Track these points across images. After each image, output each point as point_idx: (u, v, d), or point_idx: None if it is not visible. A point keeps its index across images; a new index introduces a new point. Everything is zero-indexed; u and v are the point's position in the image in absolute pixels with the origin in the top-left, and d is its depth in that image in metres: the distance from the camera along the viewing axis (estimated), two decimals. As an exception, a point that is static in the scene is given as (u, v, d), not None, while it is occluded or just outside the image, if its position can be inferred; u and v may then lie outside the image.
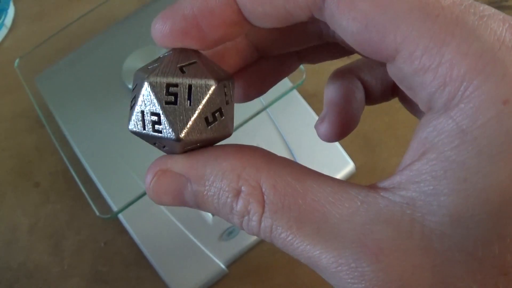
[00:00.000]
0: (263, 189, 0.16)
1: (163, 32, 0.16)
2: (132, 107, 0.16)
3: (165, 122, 0.15)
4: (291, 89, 0.43)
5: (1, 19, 0.54)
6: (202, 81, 0.16)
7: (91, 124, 0.45)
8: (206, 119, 0.16)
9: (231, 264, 0.42)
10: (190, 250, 0.41)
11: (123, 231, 0.43)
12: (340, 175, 0.43)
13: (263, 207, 0.16)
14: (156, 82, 0.15)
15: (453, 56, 0.13)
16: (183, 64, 0.16)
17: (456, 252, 0.13)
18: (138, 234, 0.42)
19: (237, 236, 0.42)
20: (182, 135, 0.15)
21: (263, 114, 0.44)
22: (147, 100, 0.16)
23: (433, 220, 0.14)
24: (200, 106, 0.16)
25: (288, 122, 0.45)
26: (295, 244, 0.15)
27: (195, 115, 0.15)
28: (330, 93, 0.23)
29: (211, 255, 0.41)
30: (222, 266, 0.41)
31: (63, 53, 0.49)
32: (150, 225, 0.42)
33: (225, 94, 0.16)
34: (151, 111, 0.15)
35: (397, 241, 0.14)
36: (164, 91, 0.15)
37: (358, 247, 0.14)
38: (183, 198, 0.17)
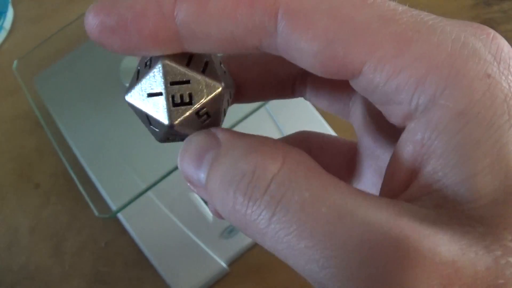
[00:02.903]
0: (285, 156, 0.14)
1: (93, 25, 0.15)
2: (137, 79, 0.16)
3: (164, 106, 0.16)
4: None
5: (0, 22, 0.54)
6: (211, 81, 0.16)
7: (89, 124, 0.45)
8: (201, 117, 0.16)
9: (232, 263, 0.41)
10: (191, 249, 0.41)
11: (123, 231, 0.43)
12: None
13: (280, 169, 0.14)
14: (171, 67, 0.16)
15: (425, 50, 0.13)
16: (199, 60, 0.16)
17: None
18: (139, 234, 0.42)
19: (238, 234, 0.41)
20: (176, 122, 0.16)
21: (262, 111, 0.44)
22: (155, 79, 0.16)
23: (480, 204, 0.13)
24: (203, 101, 0.16)
25: (288, 119, 0.44)
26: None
27: (194, 109, 0.16)
28: None
29: (212, 254, 0.41)
30: (223, 264, 0.41)
31: (61, 54, 0.49)
32: (150, 225, 0.42)
33: (227, 101, 0.17)
34: (155, 90, 0.16)
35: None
36: (176, 77, 0.16)
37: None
38: (201, 162, 0.16)
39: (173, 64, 0.16)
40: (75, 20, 0.49)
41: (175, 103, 0.16)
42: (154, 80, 0.16)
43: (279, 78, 0.20)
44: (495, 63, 0.13)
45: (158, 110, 0.16)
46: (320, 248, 0.13)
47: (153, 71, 0.16)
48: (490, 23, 0.51)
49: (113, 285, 0.42)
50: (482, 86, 0.13)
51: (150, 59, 0.16)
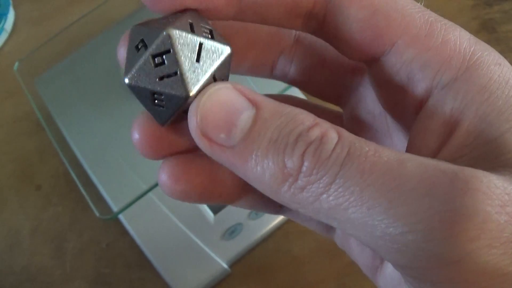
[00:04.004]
0: (338, 129, 0.14)
1: None
2: (134, 60, 0.15)
3: (178, 77, 0.15)
4: (289, 86, 0.42)
5: (1, 24, 0.54)
6: (220, 45, 0.16)
7: (90, 126, 0.45)
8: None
9: (234, 264, 0.41)
10: (192, 250, 0.41)
11: (124, 232, 0.43)
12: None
13: (341, 137, 0.14)
14: (180, 34, 0.15)
15: (450, 38, 0.16)
16: (203, 25, 0.16)
17: None
18: (140, 235, 0.42)
19: (239, 235, 0.41)
20: (193, 92, 0.15)
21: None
22: (164, 46, 0.15)
23: (507, 157, 0.15)
24: (217, 64, 0.15)
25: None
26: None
27: (210, 74, 0.15)
28: None
29: (213, 255, 0.41)
30: (225, 266, 0.40)
31: (62, 56, 0.49)
32: (151, 226, 0.42)
33: (229, 66, 0.16)
34: (166, 62, 0.15)
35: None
36: (186, 45, 0.15)
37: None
38: (233, 124, 0.15)
39: (180, 31, 0.15)
40: (76, 21, 0.49)
41: (186, 71, 0.15)
42: (163, 48, 0.15)
43: (265, 52, 0.20)
44: (501, 58, 0.16)
45: (172, 82, 0.15)
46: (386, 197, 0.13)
47: (157, 42, 0.15)
48: (490, 23, 0.51)
49: (115, 286, 0.42)
50: (497, 70, 0.16)
51: (142, 40, 0.15)
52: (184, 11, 0.16)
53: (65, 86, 0.47)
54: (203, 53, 0.15)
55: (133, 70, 0.15)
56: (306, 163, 0.14)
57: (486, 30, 0.50)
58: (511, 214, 0.13)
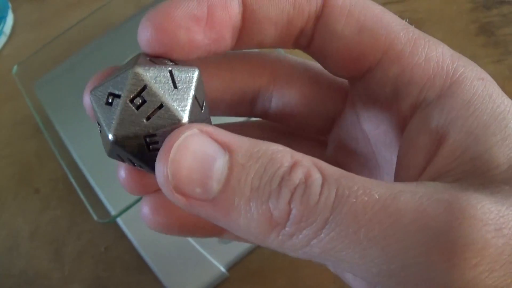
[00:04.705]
0: (319, 165, 0.14)
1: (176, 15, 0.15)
2: (109, 112, 0.14)
3: (170, 109, 0.14)
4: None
5: (0, 27, 0.54)
6: (187, 68, 0.15)
7: (89, 130, 0.45)
8: (199, 104, 0.15)
9: (231, 268, 0.41)
10: (190, 254, 0.41)
11: (123, 236, 0.43)
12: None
13: (326, 176, 0.13)
14: (149, 69, 0.14)
15: (434, 54, 0.16)
16: (159, 59, 0.15)
17: None
18: (138, 239, 0.42)
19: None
20: (185, 119, 0.14)
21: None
22: (147, 92, 0.14)
23: (500, 170, 0.15)
24: (192, 91, 0.15)
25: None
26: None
27: (191, 100, 0.15)
28: None
29: (211, 258, 0.41)
30: (223, 269, 0.40)
31: (61, 59, 0.49)
32: (149, 229, 0.42)
33: (202, 85, 0.16)
34: (151, 100, 0.14)
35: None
36: (163, 77, 0.14)
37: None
38: (208, 176, 0.14)
39: (146, 67, 0.14)
40: (75, 25, 0.49)
41: (170, 100, 0.14)
42: (139, 87, 0.14)
43: (240, 87, 0.20)
44: (483, 72, 0.17)
45: (161, 116, 0.14)
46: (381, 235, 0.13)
47: (129, 85, 0.14)
48: (489, 26, 0.51)
49: (113, 290, 0.42)
50: (480, 85, 0.16)
51: (110, 93, 0.14)
52: (136, 56, 0.15)
53: (64, 89, 0.48)
54: (176, 80, 0.15)
55: (115, 124, 0.14)
56: (294, 211, 0.13)
57: (484, 34, 0.50)
58: (508, 236, 0.13)
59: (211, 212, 0.14)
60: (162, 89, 0.14)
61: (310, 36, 0.18)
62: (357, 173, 0.15)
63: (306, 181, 0.13)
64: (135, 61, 0.15)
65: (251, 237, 0.14)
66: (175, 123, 0.14)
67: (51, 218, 0.46)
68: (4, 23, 0.54)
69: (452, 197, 0.13)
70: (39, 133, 0.48)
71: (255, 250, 0.42)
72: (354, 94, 0.19)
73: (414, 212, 0.13)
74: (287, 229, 0.13)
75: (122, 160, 0.16)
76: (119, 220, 0.42)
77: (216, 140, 0.14)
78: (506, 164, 0.15)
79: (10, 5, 0.56)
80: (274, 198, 0.13)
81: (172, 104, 0.14)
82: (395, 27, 0.17)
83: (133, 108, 0.14)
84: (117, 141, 0.14)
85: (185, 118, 0.14)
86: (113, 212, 0.41)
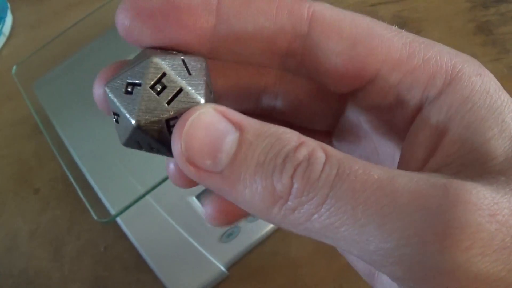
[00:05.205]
0: (324, 147, 0.14)
1: (129, 8, 0.16)
2: (129, 100, 0.15)
3: (188, 93, 0.15)
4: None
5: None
6: (196, 57, 0.16)
7: (88, 129, 0.45)
8: (210, 90, 0.16)
9: (231, 267, 0.41)
10: (190, 253, 0.41)
11: (122, 235, 0.43)
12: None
13: (329, 156, 0.14)
14: (165, 58, 0.15)
15: (431, 55, 0.16)
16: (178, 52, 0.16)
17: None
18: (137, 238, 0.42)
19: (237, 238, 0.41)
20: (202, 101, 0.15)
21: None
22: (167, 77, 0.15)
23: (498, 162, 0.15)
24: (204, 77, 0.16)
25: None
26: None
27: (204, 85, 0.16)
28: None
29: (211, 257, 0.41)
30: (223, 268, 0.41)
31: (60, 59, 0.49)
32: (149, 228, 0.42)
33: (209, 73, 0.17)
34: (171, 86, 0.15)
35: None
36: (178, 65, 0.15)
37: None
38: (218, 149, 0.14)
39: (162, 56, 0.15)
40: (74, 25, 0.49)
41: (188, 85, 0.15)
42: (158, 74, 0.15)
43: (245, 86, 0.20)
44: (481, 68, 0.17)
45: (181, 100, 0.15)
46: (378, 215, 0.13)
47: (149, 73, 0.15)
48: (487, 25, 0.51)
49: (113, 289, 0.42)
50: (478, 80, 0.16)
51: (129, 83, 0.15)
52: (144, 50, 0.16)
53: (63, 89, 0.48)
54: (189, 67, 0.15)
55: (137, 109, 0.15)
56: (296, 185, 0.14)
57: (482, 32, 0.51)
58: (501, 222, 0.13)
59: (219, 183, 0.15)
60: (179, 75, 0.15)
61: (298, 57, 0.17)
62: None
63: (310, 158, 0.14)
64: (148, 53, 0.16)
65: (255, 211, 0.15)
66: (194, 106, 0.15)
67: (51, 217, 0.46)
68: (3, 23, 0.55)
69: (449, 182, 0.14)
70: (39, 133, 0.48)
71: (255, 249, 0.42)
72: (356, 101, 0.19)
73: (411, 193, 0.13)
74: (289, 203, 0.14)
75: (140, 147, 0.16)
76: (118, 220, 0.42)
77: (228, 119, 0.15)
78: (503, 156, 0.15)
79: (9, 5, 0.56)
80: (278, 172, 0.14)
81: (190, 88, 0.15)
82: (387, 34, 0.17)
83: (154, 94, 0.15)
84: (140, 126, 0.15)
85: (202, 100, 0.15)
86: (112, 212, 0.41)
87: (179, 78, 0.15)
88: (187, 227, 0.42)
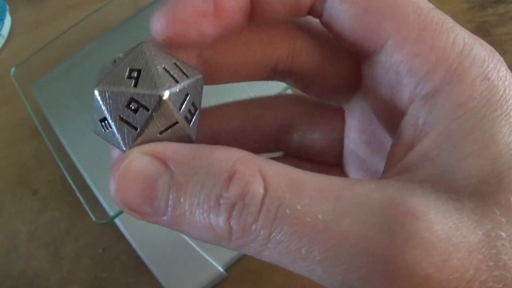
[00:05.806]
0: (264, 173, 0.14)
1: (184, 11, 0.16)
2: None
3: (155, 78, 0.15)
4: (285, 89, 0.43)
5: (-2, 29, 0.54)
6: (191, 68, 0.16)
7: (87, 131, 0.45)
8: (191, 111, 0.16)
9: (229, 267, 0.41)
10: (188, 254, 0.41)
11: (121, 237, 0.43)
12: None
13: (268, 191, 0.13)
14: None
15: (442, 43, 0.15)
16: (170, 61, 0.16)
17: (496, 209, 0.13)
18: (136, 240, 0.42)
19: (235, 239, 0.41)
20: (166, 96, 0.15)
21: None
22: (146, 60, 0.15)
23: (470, 182, 0.14)
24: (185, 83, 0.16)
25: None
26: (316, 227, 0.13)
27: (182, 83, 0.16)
28: None
29: (209, 258, 0.41)
30: (221, 269, 0.41)
31: (59, 61, 0.49)
32: (147, 230, 0.42)
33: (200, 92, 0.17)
34: (144, 69, 0.15)
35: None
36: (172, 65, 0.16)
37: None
38: (153, 196, 0.14)
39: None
40: (72, 26, 0.49)
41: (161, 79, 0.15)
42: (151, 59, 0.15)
43: (259, 60, 0.20)
44: (495, 70, 0.15)
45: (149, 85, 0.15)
46: (321, 250, 0.13)
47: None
48: (485, 26, 0.51)
49: (111, 290, 0.42)
50: (482, 86, 0.15)
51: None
52: (140, 44, 0.16)
53: (62, 91, 0.48)
54: (181, 67, 0.16)
55: (102, 79, 0.16)
56: (234, 229, 0.13)
57: (480, 33, 0.51)
58: (455, 268, 0.13)
59: (166, 224, 0.15)
60: (158, 64, 0.15)
61: (319, 13, 0.18)
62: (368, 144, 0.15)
63: (244, 196, 0.13)
64: (144, 42, 0.16)
65: (210, 243, 0.14)
66: (152, 89, 0.15)
67: (50, 219, 0.46)
68: (2, 25, 0.55)
69: (400, 219, 0.13)
70: (37, 134, 0.48)
71: (253, 250, 0.42)
72: (364, 71, 0.19)
73: (356, 237, 0.13)
74: (234, 242, 0.14)
75: (104, 129, 0.16)
76: (117, 221, 0.42)
77: (157, 158, 0.14)
78: (477, 178, 0.14)
79: (8, 7, 0.56)
80: (214, 215, 0.13)
81: (158, 73, 0.15)
82: (405, 8, 0.16)
83: (126, 72, 0.15)
84: (100, 92, 0.15)
85: (165, 95, 0.15)
86: (111, 213, 0.41)
87: (154, 65, 0.15)
88: (186, 228, 0.41)
